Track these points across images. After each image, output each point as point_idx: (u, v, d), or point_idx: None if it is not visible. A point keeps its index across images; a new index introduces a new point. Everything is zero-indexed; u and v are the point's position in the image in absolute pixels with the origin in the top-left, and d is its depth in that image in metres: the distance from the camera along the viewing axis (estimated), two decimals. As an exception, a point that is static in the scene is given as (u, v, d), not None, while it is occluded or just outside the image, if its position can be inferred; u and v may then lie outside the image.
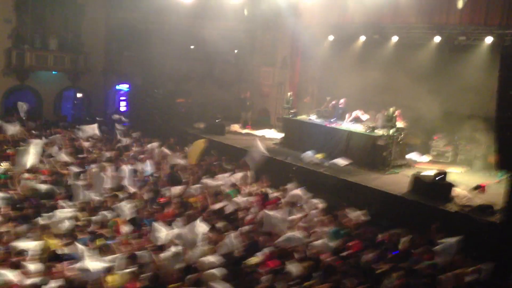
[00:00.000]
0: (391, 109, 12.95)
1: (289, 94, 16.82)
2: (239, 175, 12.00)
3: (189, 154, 13.55)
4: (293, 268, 7.16)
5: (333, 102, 15.39)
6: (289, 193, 10.82)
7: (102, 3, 20.88)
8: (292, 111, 16.16)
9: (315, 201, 10.36)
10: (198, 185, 10.88)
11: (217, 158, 13.87)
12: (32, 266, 6.50)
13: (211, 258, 7.26)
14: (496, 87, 9.33)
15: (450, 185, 10.55)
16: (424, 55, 14.55)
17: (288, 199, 10.48)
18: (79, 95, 21.97)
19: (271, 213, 8.83)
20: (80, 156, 12.84)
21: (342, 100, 15.11)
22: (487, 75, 12.24)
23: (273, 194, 10.89)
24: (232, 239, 7.85)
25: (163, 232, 7.84)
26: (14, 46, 19.16)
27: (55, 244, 7.26)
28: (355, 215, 9.67)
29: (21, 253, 6.80)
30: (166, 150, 13.90)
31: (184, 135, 16.84)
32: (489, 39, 13.04)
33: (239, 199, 10.28)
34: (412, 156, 14.06)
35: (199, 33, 19.61)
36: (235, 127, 18.57)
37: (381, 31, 15.22)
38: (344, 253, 7.88)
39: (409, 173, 12.00)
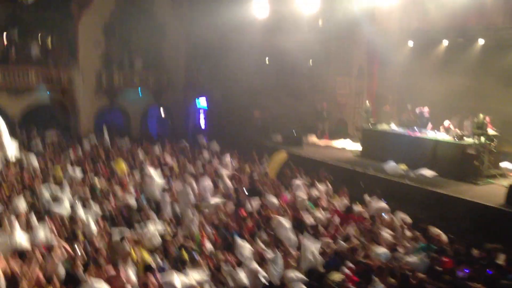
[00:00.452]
0: (481, 115, 12.14)
1: (367, 103, 16.44)
2: (318, 187, 11.87)
3: (268, 166, 13.67)
4: (380, 285, 6.87)
5: (416, 110, 14.76)
6: (372, 206, 10.46)
7: (182, 23, 21.85)
8: (371, 120, 15.73)
9: (401, 214, 9.93)
10: (276, 198, 10.89)
11: (295, 170, 13.82)
12: (128, 277, 6.83)
13: (294, 273, 7.20)
14: None
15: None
16: (514, 57, 13.52)
17: (372, 214, 10.14)
18: (162, 111, 23.10)
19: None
20: (165, 170, 13.41)
21: (425, 108, 14.47)
22: None
23: (354, 206, 10.60)
24: (314, 253, 7.73)
25: (246, 248, 7.92)
26: (104, 67, 20.61)
27: (147, 256, 7.60)
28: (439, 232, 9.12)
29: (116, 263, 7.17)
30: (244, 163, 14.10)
31: (262, 148, 17.01)
32: None
33: (319, 212, 10.14)
34: (507, 165, 13.01)
35: (273, 46, 19.83)
36: (313, 138, 18.44)
37: (466, 34, 14.39)
38: (436, 270, 7.42)
39: (504, 183, 11.13)
